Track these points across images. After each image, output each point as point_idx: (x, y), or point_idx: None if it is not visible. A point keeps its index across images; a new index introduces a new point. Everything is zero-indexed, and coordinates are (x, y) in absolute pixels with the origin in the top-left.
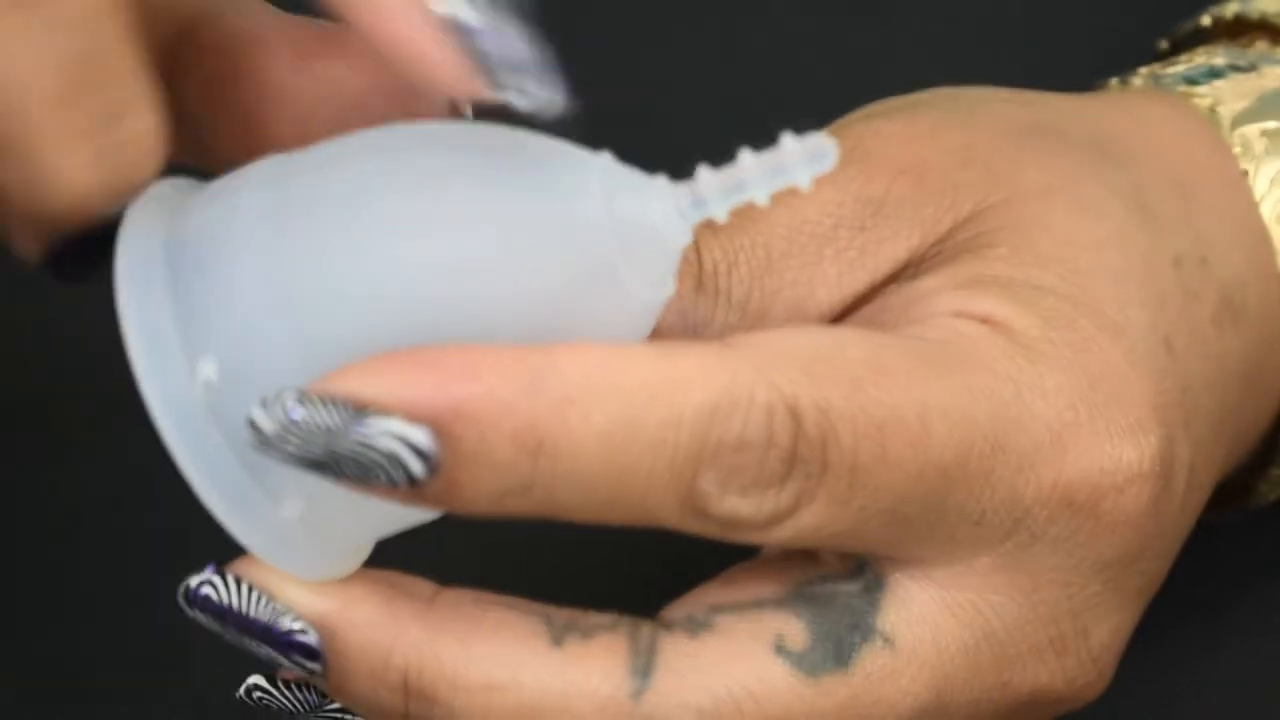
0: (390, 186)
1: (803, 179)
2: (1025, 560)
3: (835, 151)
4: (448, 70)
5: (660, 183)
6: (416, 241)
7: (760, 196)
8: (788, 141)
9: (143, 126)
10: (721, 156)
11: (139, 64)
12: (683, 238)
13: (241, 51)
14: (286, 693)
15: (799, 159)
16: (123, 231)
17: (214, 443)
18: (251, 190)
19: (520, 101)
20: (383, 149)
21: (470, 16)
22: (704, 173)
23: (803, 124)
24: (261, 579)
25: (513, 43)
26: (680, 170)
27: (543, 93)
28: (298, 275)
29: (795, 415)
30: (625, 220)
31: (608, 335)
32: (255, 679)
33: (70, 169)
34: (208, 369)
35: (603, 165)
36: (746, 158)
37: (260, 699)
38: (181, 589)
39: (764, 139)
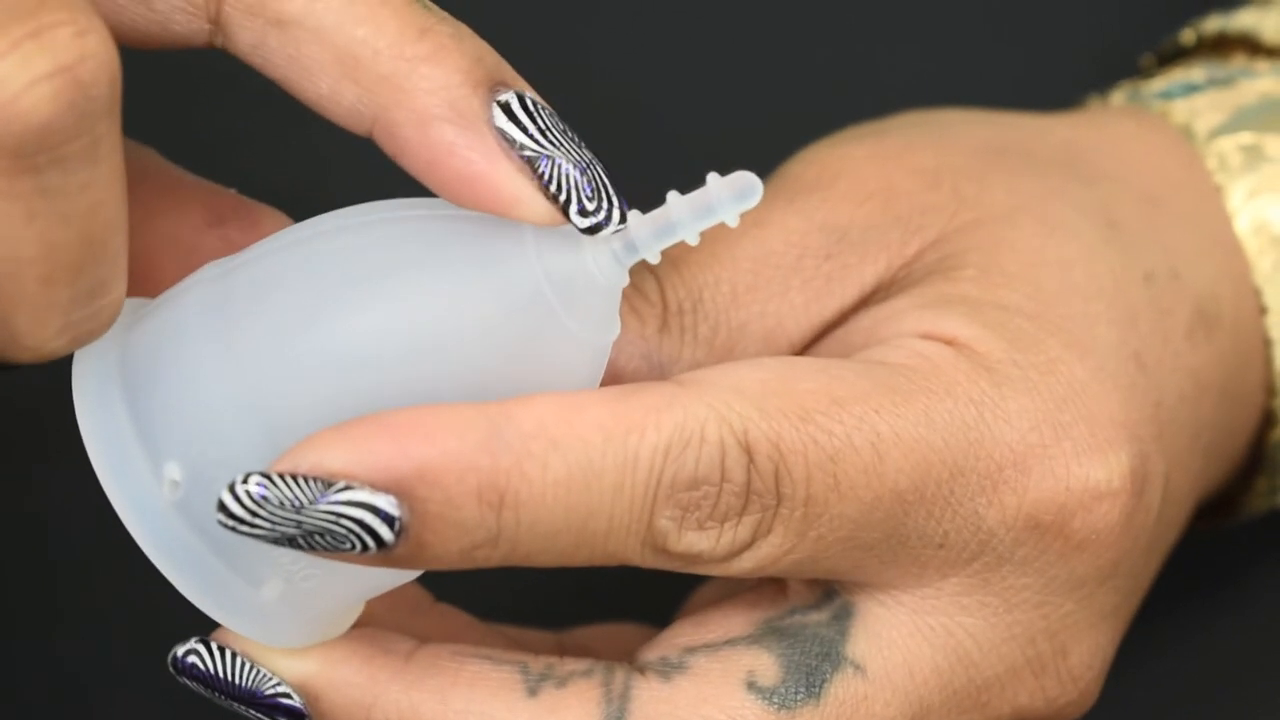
0: (332, 266)
1: (730, 216)
2: (995, 581)
3: (760, 187)
4: (519, 201)
5: None
6: (362, 314)
7: (690, 236)
8: (713, 181)
9: (115, 297)
10: (715, 163)
11: (125, 245)
12: (620, 280)
13: (152, 198)
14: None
15: (725, 198)
16: (77, 355)
17: (188, 541)
18: (195, 290)
19: (583, 223)
20: (318, 234)
21: (533, 146)
22: (634, 217)
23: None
24: (245, 647)
25: (573, 167)
26: (673, 173)
27: (601, 214)
28: (246, 362)
29: (747, 449)
30: (561, 272)
31: (562, 382)
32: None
33: (41, 337)
34: (172, 471)
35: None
36: (674, 199)
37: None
38: (170, 657)
39: (761, 142)
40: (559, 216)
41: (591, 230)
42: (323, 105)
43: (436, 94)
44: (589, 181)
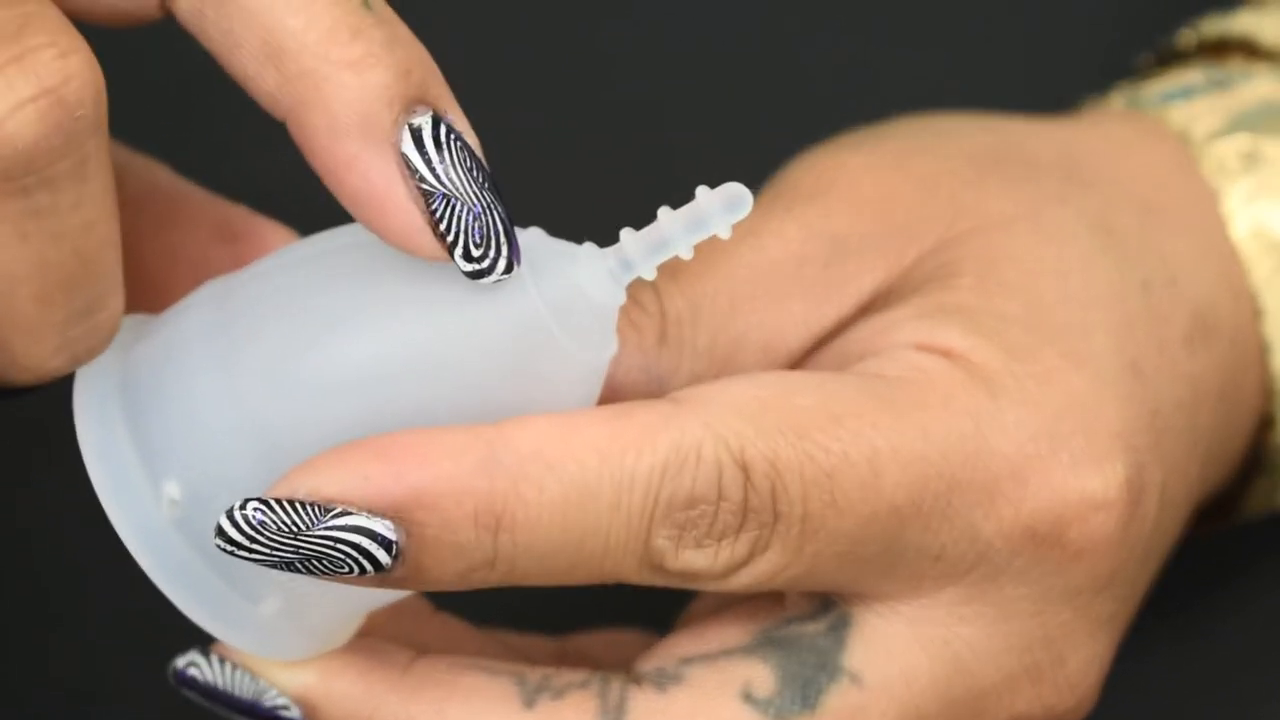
0: (331, 287)
1: (721, 228)
2: (992, 592)
3: (750, 197)
4: (406, 233)
5: (587, 249)
6: (360, 338)
7: (684, 250)
8: (703, 194)
9: (111, 313)
10: (713, 168)
11: (119, 260)
12: (616, 299)
13: (163, 212)
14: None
15: (716, 209)
16: (79, 374)
17: (186, 559)
18: (196, 310)
19: (466, 266)
20: (318, 253)
21: (431, 181)
22: (627, 235)
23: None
24: (244, 659)
25: (467, 210)
26: (672, 177)
27: (487, 261)
28: (245, 383)
29: (744, 468)
30: (556, 291)
31: (558, 401)
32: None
33: (38, 355)
34: (171, 490)
35: (529, 240)
36: (665, 215)
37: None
38: (170, 669)
39: (758, 147)
40: (443, 255)
41: (473, 275)
42: (247, 85)
43: (351, 105)
44: (481, 227)
